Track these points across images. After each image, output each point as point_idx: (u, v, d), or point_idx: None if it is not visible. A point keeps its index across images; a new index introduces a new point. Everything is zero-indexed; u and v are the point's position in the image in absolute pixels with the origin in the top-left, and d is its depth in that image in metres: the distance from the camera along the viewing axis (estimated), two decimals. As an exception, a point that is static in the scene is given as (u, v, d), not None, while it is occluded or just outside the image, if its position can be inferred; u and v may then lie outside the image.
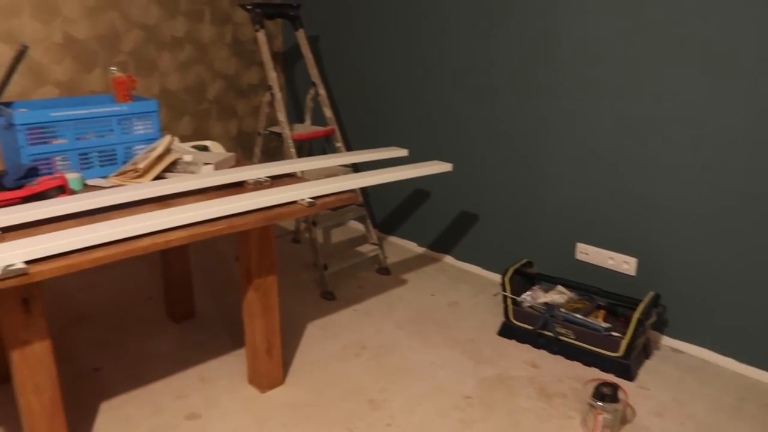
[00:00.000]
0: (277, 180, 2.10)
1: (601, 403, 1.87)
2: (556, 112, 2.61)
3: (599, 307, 2.48)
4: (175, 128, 3.51)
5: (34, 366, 1.56)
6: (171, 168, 2.07)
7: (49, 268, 1.39)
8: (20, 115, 1.88)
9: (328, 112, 3.12)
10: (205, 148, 2.38)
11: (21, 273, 1.35)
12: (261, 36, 2.90)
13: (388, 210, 3.55)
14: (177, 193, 1.93)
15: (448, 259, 3.26)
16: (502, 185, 2.90)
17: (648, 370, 2.29)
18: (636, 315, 2.17)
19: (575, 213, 2.64)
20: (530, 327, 2.41)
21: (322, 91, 3.11)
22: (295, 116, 4.00)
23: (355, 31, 3.41)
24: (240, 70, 3.74)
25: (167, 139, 2.06)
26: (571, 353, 2.33)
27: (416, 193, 3.34)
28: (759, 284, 2.17)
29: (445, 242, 3.26)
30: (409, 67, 3.17)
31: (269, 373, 2.10)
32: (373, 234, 3.15)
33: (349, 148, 3.68)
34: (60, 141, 1.98)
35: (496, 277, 3.05)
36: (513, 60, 2.70)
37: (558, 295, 2.50)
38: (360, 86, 3.47)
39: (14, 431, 1.90)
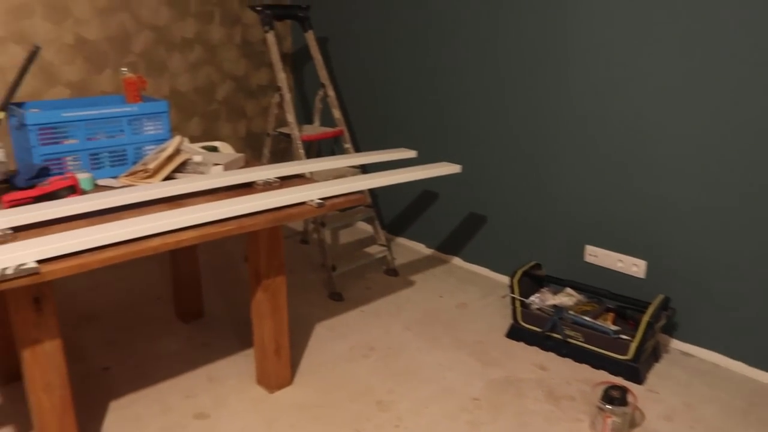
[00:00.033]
0: (286, 181, 2.11)
1: (610, 407, 1.86)
2: (565, 114, 2.60)
3: (608, 310, 2.47)
4: (185, 129, 3.52)
5: (45, 364, 1.57)
6: (181, 168, 2.08)
7: (60, 268, 1.40)
8: (32, 116, 1.90)
9: (336, 114, 3.12)
10: (214, 149, 2.39)
11: (33, 272, 1.36)
12: (270, 37, 2.91)
13: (397, 211, 3.55)
14: (187, 194, 1.94)
15: (457, 261, 3.26)
16: (510, 187, 2.90)
17: (657, 373, 2.27)
18: (645, 318, 2.16)
19: (584, 215, 2.63)
20: (539, 329, 2.40)
21: (330, 93, 3.12)
22: (304, 117, 4.01)
23: (364, 32, 3.41)
24: (249, 71, 3.75)
25: (177, 139, 2.07)
26: (579, 356, 2.32)
27: (424, 194, 3.34)
28: (770, 288, 2.16)
29: (453, 244, 3.26)
30: (417, 69, 3.17)
31: (277, 374, 2.11)
32: (382, 235, 3.15)
33: (358, 149, 3.68)
34: (71, 141, 1.99)
35: (505, 279, 3.04)
36: (522, 61, 2.70)
37: (567, 298, 2.49)
38: (369, 87, 3.48)
39: (25, 429, 1.91)
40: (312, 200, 1.91)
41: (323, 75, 3.11)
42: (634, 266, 2.50)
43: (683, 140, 2.27)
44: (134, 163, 2.13)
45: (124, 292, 2.89)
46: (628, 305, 2.43)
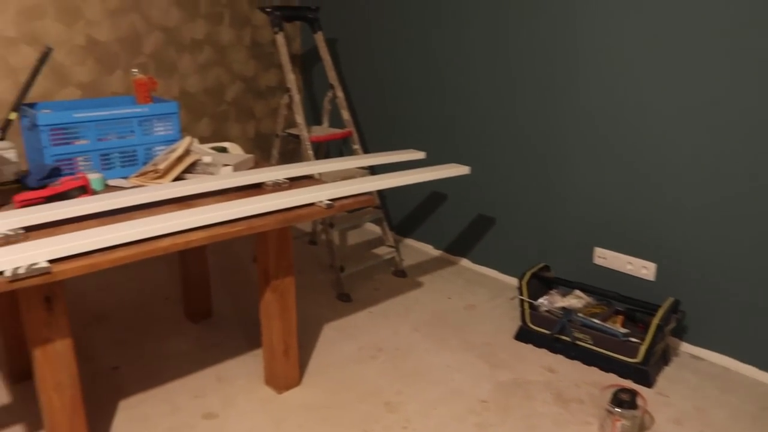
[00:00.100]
0: (295, 182, 2.11)
1: (619, 410, 1.85)
2: (574, 115, 2.59)
3: (617, 313, 2.45)
4: (194, 129, 3.54)
5: (56, 364, 1.58)
6: (191, 169, 2.09)
7: (71, 267, 1.41)
8: (44, 116, 1.91)
9: (345, 115, 3.12)
10: (224, 150, 2.39)
11: (44, 272, 1.37)
12: (280, 38, 2.92)
13: (405, 212, 3.55)
14: (197, 194, 1.94)
15: (465, 262, 3.25)
16: (519, 188, 2.89)
17: (667, 377, 2.26)
18: (655, 321, 2.15)
19: (593, 217, 2.62)
20: (547, 331, 2.39)
21: (339, 94, 3.12)
22: (313, 118, 4.01)
23: (373, 33, 3.42)
24: (258, 72, 3.76)
25: (187, 140, 2.08)
26: (588, 358, 2.31)
27: (433, 195, 3.34)
28: (782, 291, 2.14)
29: (461, 245, 3.25)
30: (426, 70, 3.17)
31: (286, 374, 2.11)
32: (390, 236, 3.15)
33: (366, 150, 3.68)
34: (82, 142, 2.00)
35: (513, 281, 3.03)
36: (532, 62, 2.69)
37: (575, 300, 2.48)
38: (377, 89, 3.48)
39: (36, 427, 1.92)
40: (321, 201, 1.91)
41: (332, 76, 3.12)
42: (644, 269, 2.49)
43: (694, 142, 2.25)
44: (144, 163, 2.14)
45: (133, 292, 2.90)
46: (637, 308, 2.42)
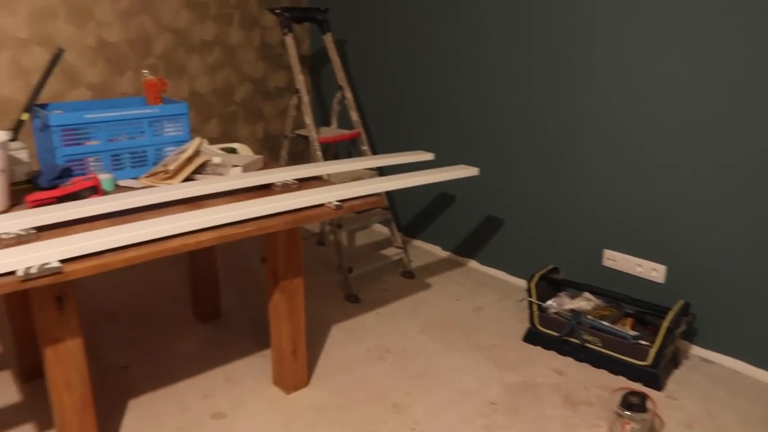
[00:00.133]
0: (304, 183, 2.12)
1: (628, 413, 1.84)
2: (584, 117, 2.58)
3: (627, 315, 2.44)
4: (203, 130, 3.55)
5: (67, 363, 1.59)
6: (200, 170, 2.10)
7: (82, 267, 1.42)
8: (55, 117, 1.92)
9: (354, 116, 3.13)
10: (233, 151, 2.40)
11: (56, 271, 1.38)
12: (289, 40, 2.93)
13: (413, 213, 3.54)
14: (206, 195, 1.95)
15: (473, 264, 3.25)
16: (528, 190, 2.88)
17: (677, 380, 2.24)
18: (665, 323, 2.13)
19: (602, 219, 2.61)
20: (556, 333, 2.38)
21: (348, 95, 3.13)
22: (321, 119, 4.02)
23: (381, 35, 3.42)
24: (267, 74, 3.77)
25: (197, 141, 2.09)
26: (597, 361, 2.30)
27: (441, 196, 3.34)
28: (793, 294, 2.12)
29: (470, 246, 3.25)
30: (434, 71, 3.17)
31: (294, 375, 2.11)
32: (398, 237, 3.15)
33: (375, 151, 3.68)
34: (93, 142, 2.02)
35: (522, 283, 3.03)
36: (542, 63, 2.68)
37: (585, 302, 2.47)
38: (386, 90, 3.48)
39: (46, 426, 1.94)
40: (330, 202, 1.91)
41: (341, 77, 3.12)
42: (654, 271, 2.47)
43: (704, 144, 2.24)
44: (155, 164, 2.15)
45: (142, 291, 2.91)
46: (647, 310, 2.40)
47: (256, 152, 3.86)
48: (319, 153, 2.94)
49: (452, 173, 2.31)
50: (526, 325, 2.62)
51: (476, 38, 2.92)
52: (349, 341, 2.48)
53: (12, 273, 1.35)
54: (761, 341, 2.23)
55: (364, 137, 3.13)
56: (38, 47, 2.89)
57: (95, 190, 1.85)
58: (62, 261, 1.43)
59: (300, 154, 4.06)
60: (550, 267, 2.59)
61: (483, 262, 3.19)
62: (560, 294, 2.54)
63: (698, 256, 2.34)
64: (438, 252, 3.44)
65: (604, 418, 2.01)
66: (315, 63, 3.96)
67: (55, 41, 2.94)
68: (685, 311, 2.27)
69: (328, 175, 2.89)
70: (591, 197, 2.63)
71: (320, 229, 3.53)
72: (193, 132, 3.52)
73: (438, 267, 3.25)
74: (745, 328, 2.26)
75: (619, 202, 2.54)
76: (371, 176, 3.05)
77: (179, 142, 2.19)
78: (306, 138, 3.05)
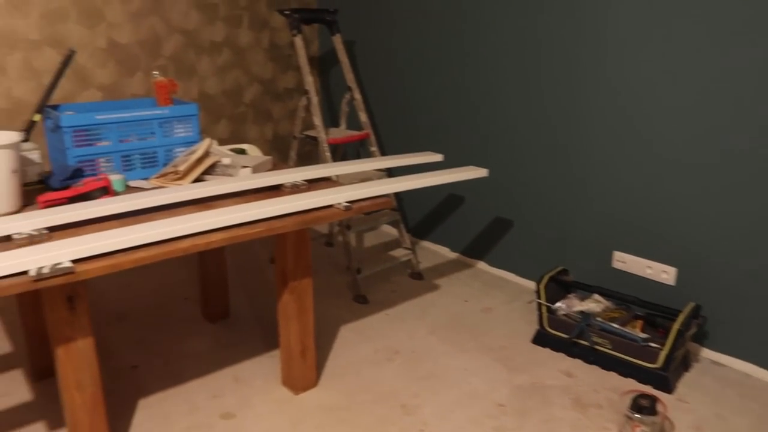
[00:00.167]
0: (313, 184, 2.12)
1: (638, 416, 1.84)
2: (593, 118, 2.57)
3: (637, 317, 2.43)
4: (213, 131, 3.57)
5: (78, 362, 1.60)
6: (210, 171, 2.11)
7: (94, 267, 1.43)
8: (67, 118, 1.94)
9: (363, 117, 3.13)
10: (242, 152, 2.41)
11: (68, 271, 1.39)
12: (298, 41, 2.93)
13: (422, 214, 3.54)
14: (216, 196, 1.96)
15: (482, 265, 3.24)
16: (537, 191, 2.87)
17: (687, 382, 2.23)
18: (675, 326, 2.12)
19: (612, 220, 2.60)
20: (565, 335, 2.38)
21: (357, 96, 3.13)
22: (330, 120, 4.03)
23: (390, 36, 3.42)
24: (276, 75, 3.78)
25: (206, 142, 2.10)
26: (607, 363, 2.29)
27: (450, 197, 3.33)
28: (806, 297, 2.11)
29: (478, 248, 3.24)
30: (444, 73, 3.16)
31: (303, 375, 2.12)
32: (407, 238, 3.15)
33: (384, 152, 3.68)
34: (104, 143, 2.03)
35: (531, 284, 3.02)
36: (550, 64, 2.68)
37: (594, 304, 2.46)
38: (395, 91, 3.48)
39: (57, 425, 1.95)
40: (339, 203, 1.91)
41: (350, 78, 3.12)
42: (664, 273, 2.46)
43: (713, 145, 2.23)
44: (165, 165, 2.17)
45: (152, 291, 2.93)
46: (657, 313, 2.39)
47: (266, 153, 3.87)
48: (328, 154, 2.94)
49: (461, 174, 2.30)
50: (535, 326, 2.62)
51: (485, 39, 2.92)
52: (358, 342, 2.48)
53: (24, 273, 1.36)
54: (773, 344, 2.21)
55: (372, 138, 3.13)
56: (50, 49, 2.92)
57: (106, 191, 1.87)
58: (74, 261, 1.44)
59: (309, 155, 4.06)
60: (559, 268, 2.58)
61: (492, 264, 3.19)
62: (569, 296, 2.53)
63: (709, 259, 2.32)
64: (447, 253, 3.43)
65: (613, 420, 2.00)
66: (324, 64, 3.96)
67: (67, 43, 2.96)
68: (695, 314, 2.26)
69: (337, 176, 2.89)
70: (601, 199, 2.62)
71: (329, 230, 3.54)
72: (203, 133, 3.53)
73: (447, 268, 3.24)
74: (757, 330, 2.24)
75: (629, 203, 2.53)
76: (380, 177, 3.05)
77: (189, 143, 2.20)
78: (315, 139, 3.06)
